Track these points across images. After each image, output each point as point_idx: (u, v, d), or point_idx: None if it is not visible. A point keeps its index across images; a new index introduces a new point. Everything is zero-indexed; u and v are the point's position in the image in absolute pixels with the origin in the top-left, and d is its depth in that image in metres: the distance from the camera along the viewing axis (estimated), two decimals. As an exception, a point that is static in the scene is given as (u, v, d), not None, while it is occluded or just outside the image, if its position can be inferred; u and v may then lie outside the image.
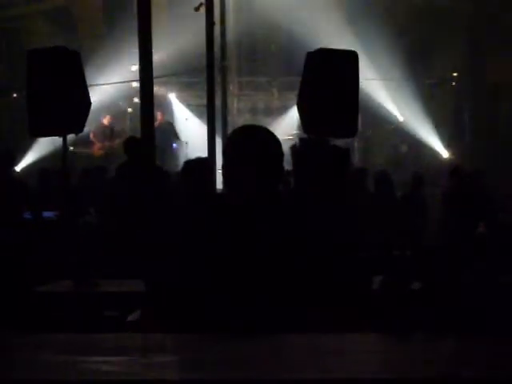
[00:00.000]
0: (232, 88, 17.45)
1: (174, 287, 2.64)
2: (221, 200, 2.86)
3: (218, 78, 13.62)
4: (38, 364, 2.04)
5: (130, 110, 16.99)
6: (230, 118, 15.15)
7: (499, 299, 3.09)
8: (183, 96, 17.77)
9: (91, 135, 15.39)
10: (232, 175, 2.68)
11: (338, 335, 2.37)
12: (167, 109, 17.09)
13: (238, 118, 17.52)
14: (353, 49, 6.57)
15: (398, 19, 17.36)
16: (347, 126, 6.55)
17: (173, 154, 15.63)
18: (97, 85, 14.85)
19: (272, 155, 2.69)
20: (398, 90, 17.27)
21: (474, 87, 17.63)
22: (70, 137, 6.39)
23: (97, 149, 15.52)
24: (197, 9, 12.70)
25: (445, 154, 17.34)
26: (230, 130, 12.98)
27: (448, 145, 17.33)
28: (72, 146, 13.09)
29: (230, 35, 16.06)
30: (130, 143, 8.64)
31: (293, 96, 6.88)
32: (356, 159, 15.82)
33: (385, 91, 17.37)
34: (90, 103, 6.50)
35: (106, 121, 15.83)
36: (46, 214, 8.44)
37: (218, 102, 13.39)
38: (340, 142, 6.84)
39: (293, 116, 15.81)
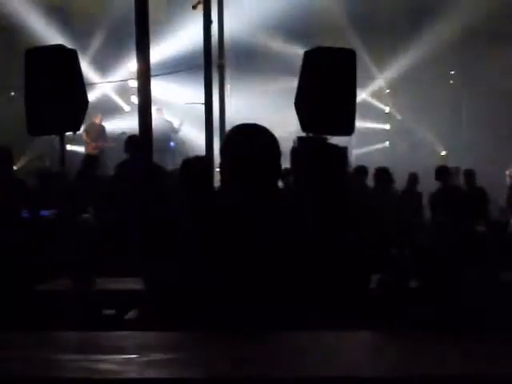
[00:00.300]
0: (230, 86, 17.43)
1: (174, 286, 2.63)
2: (219, 199, 2.85)
3: (215, 77, 13.62)
4: (37, 362, 2.04)
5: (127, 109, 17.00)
6: (227, 117, 15.13)
7: (499, 298, 3.09)
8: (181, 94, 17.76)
9: (84, 135, 15.15)
10: (230, 174, 2.68)
11: (336, 333, 2.37)
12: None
13: (236, 116, 17.50)
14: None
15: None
16: (345, 123, 6.56)
17: (171, 153, 15.60)
18: (95, 83, 14.86)
19: (270, 154, 2.69)
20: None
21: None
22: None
23: (91, 149, 15.28)
24: (194, 7, 12.71)
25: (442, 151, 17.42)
26: (227, 128, 12.96)
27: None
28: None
29: (228, 33, 16.05)
30: (132, 142, 8.62)
31: (291, 94, 6.87)
32: (353, 157, 15.82)
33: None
34: (88, 102, 6.50)
35: (97, 120, 15.66)
36: (44, 212, 8.43)
37: (215, 100, 13.40)
38: (337, 140, 6.83)
39: (290, 114, 15.78)
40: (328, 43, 7.38)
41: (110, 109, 17.18)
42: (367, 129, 17.58)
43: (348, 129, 6.60)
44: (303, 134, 6.70)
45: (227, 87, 16.14)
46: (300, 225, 2.69)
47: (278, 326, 2.42)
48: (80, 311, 4.92)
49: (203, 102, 12.76)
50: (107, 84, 17.58)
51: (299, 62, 6.62)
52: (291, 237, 2.62)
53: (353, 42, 16.40)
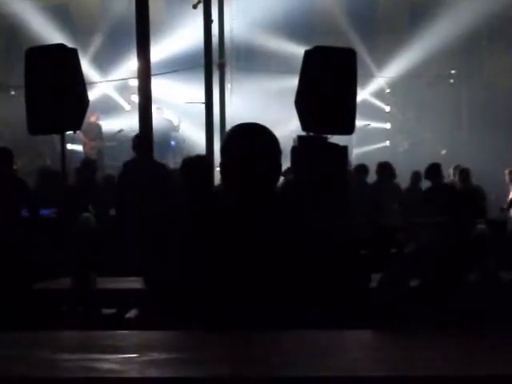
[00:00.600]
0: (230, 85, 17.44)
1: (174, 286, 2.63)
2: (219, 198, 2.85)
3: (216, 76, 13.63)
4: (37, 361, 2.04)
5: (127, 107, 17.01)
6: (227, 116, 15.13)
7: (501, 297, 3.09)
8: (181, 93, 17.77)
9: (80, 134, 14.46)
10: (230, 173, 2.68)
11: (337, 333, 2.37)
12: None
13: (236, 115, 17.51)
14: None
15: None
16: (345, 123, 6.56)
17: (171, 152, 15.59)
18: (95, 82, 14.86)
19: (270, 153, 2.68)
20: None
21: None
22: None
23: (88, 148, 15.14)
24: (195, 6, 12.72)
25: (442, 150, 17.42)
26: (228, 127, 12.97)
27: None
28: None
29: (228, 33, 16.06)
30: (139, 140, 8.58)
31: (291, 93, 6.87)
32: (353, 156, 15.83)
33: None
34: (88, 101, 6.50)
35: (93, 118, 15.36)
36: (43, 211, 8.43)
37: (216, 99, 13.41)
38: (337, 139, 6.84)
39: (291, 113, 15.78)
40: (328, 42, 7.39)
41: (110, 108, 17.18)
42: (366, 126, 17.55)
43: (348, 128, 6.61)
44: (303, 133, 6.71)
45: (227, 86, 16.15)
46: (300, 224, 2.69)
47: (278, 325, 2.42)
48: (80, 310, 4.92)
49: (203, 101, 12.77)
50: (107, 83, 17.59)
51: (300, 62, 6.63)
52: (291, 236, 2.62)
53: (353, 41, 16.42)
